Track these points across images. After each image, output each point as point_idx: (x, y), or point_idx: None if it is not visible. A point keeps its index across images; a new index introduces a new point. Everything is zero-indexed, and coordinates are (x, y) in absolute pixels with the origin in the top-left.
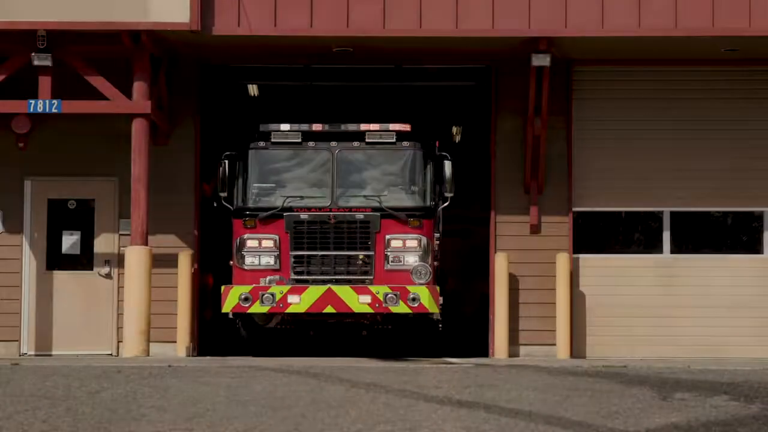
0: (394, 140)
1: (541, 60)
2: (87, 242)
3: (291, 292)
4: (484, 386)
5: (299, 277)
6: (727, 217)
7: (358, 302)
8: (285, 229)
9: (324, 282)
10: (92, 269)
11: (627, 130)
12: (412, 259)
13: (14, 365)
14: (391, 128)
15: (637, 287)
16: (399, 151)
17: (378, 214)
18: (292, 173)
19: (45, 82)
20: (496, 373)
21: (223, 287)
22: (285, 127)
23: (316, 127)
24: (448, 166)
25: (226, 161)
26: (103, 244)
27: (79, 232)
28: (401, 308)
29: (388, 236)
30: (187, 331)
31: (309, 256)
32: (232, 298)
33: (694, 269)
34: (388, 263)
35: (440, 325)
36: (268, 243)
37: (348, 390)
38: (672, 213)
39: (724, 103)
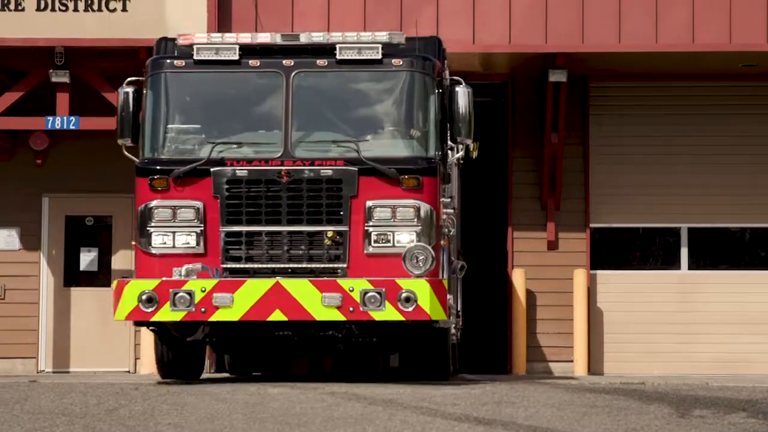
0: (380, 57)
1: (558, 76)
2: (105, 259)
3: (218, 289)
4: (501, 403)
5: (235, 266)
6: (745, 233)
7: (322, 305)
8: (213, 193)
9: (272, 273)
10: (110, 286)
11: (644, 145)
12: (405, 238)
13: (32, 382)
14: (377, 38)
15: (655, 303)
16: (387, 74)
17: (355, 169)
18: (224, 108)
19: (63, 99)
20: (514, 390)
21: (115, 282)
22: (215, 37)
23: (263, 38)
24: (462, 95)
25: (129, 91)
26: (121, 260)
27: (96, 249)
28: (388, 314)
29: (369, 203)
30: None
31: (249, 234)
32: (127, 299)
33: (712, 285)
34: (369, 244)
35: (455, 338)
36: (186, 214)
37: (365, 407)
38: (690, 229)
39: (742, 119)
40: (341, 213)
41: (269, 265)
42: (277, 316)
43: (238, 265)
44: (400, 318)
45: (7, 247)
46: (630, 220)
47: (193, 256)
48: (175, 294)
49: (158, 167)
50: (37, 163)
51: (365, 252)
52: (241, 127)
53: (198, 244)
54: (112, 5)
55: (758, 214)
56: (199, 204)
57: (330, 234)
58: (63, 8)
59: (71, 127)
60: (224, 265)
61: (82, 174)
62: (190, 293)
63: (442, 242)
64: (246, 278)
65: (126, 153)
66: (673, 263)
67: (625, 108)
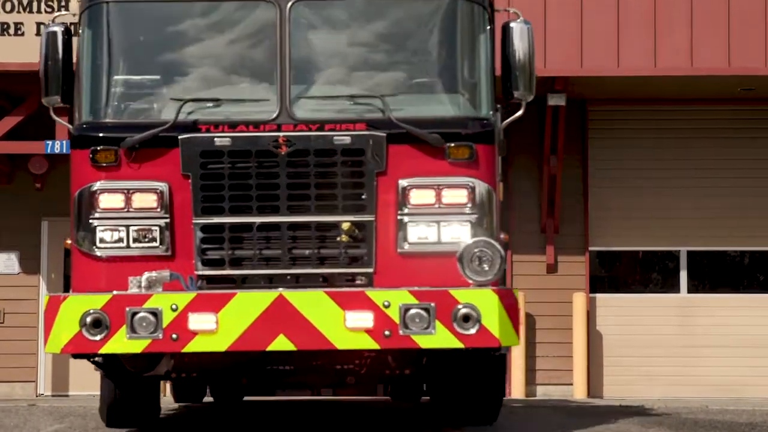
0: None
1: (557, 100)
2: None
3: (196, 306)
4: (499, 428)
5: (215, 273)
6: (744, 257)
7: (346, 327)
8: (182, 170)
9: (268, 282)
10: None
11: (643, 169)
12: (455, 231)
13: (31, 406)
14: None
15: (654, 327)
16: (422, 1)
17: (382, 134)
18: (193, 52)
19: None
20: (513, 413)
21: (47, 297)
22: None
23: None
24: (520, 33)
25: (57, 32)
26: None
27: None
28: (440, 339)
29: (403, 182)
30: None
31: (235, 228)
32: (64, 323)
33: (712, 309)
34: (404, 240)
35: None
36: (144, 200)
37: None
38: (689, 252)
39: (741, 142)
40: (364, 196)
41: (263, 272)
42: (280, 344)
43: (219, 272)
44: (458, 345)
45: (7, 271)
46: (629, 243)
47: (156, 259)
48: (134, 315)
49: (102, 134)
50: (37, 187)
51: (398, 250)
52: (219, 79)
53: (162, 242)
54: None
55: (757, 237)
56: (162, 186)
57: (347, 226)
58: None
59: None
60: (200, 272)
61: None
62: (155, 313)
63: (502, 236)
64: (235, 290)
65: (54, 117)
66: (672, 286)
67: (624, 131)
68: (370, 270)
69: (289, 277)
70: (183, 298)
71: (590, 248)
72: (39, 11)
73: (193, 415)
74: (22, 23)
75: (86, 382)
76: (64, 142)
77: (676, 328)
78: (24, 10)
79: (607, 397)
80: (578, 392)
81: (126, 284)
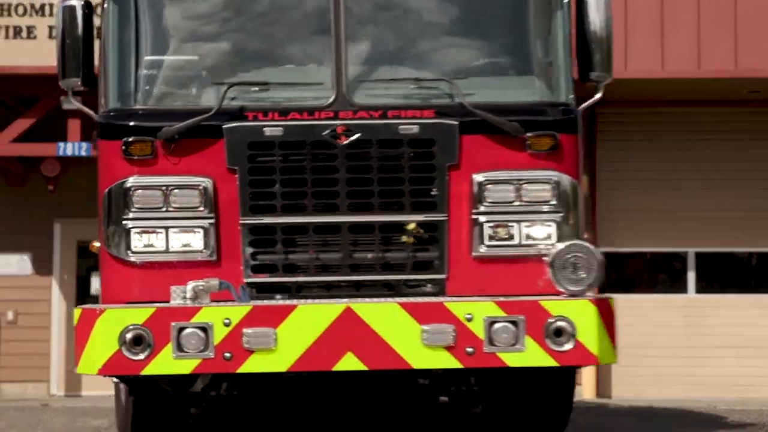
0: None
1: None
2: None
3: (252, 320)
4: None
5: (266, 281)
6: (752, 258)
7: (422, 343)
8: (228, 164)
9: (325, 290)
10: None
11: (650, 170)
12: (541, 232)
13: (44, 406)
14: None
15: (662, 327)
16: None
17: (454, 122)
18: (237, 29)
19: (74, 126)
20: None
21: (78, 310)
22: None
23: None
24: (596, 7)
25: (75, 6)
26: None
27: None
28: (530, 356)
29: (478, 176)
30: None
31: (288, 229)
32: (101, 340)
33: (720, 309)
34: (480, 242)
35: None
36: (186, 197)
37: None
38: (697, 253)
39: (749, 144)
40: (434, 193)
41: (321, 278)
42: (349, 364)
43: (270, 279)
44: (551, 363)
45: (20, 272)
46: (637, 244)
47: (199, 265)
48: (181, 330)
49: (136, 123)
50: (49, 189)
51: (473, 254)
52: (266, 59)
53: (206, 245)
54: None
55: (765, 238)
56: (205, 181)
57: (412, 226)
58: None
59: (82, 153)
60: (248, 279)
61: (94, 200)
62: (204, 328)
63: (585, 236)
64: (295, 302)
65: (74, 103)
66: (680, 287)
67: (632, 133)
68: (442, 276)
69: (347, 285)
70: (237, 312)
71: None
72: (51, 15)
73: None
74: (34, 26)
75: (99, 383)
76: (77, 144)
77: (683, 329)
78: (36, 13)
79: (615, 396)
80: (587, 392)
81: (164, 294)
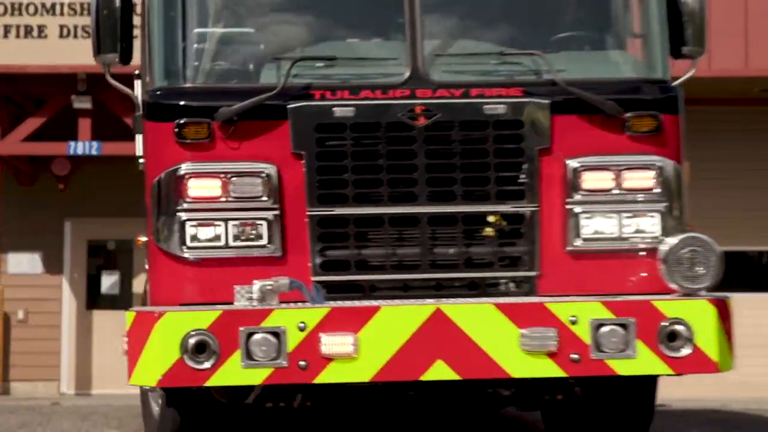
0: None
1: None
2: (126, 282)
3: (330, 323)
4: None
5: (337, 279)
6: (762, 257)
7: (521, 349)
8: (293, 148)
9: (401, 290)
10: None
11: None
12: (644, 224)
13: (54, 405)
14: None
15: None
16: None
17: (545, 101)
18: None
19: (85, 125)
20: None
21: (132, 314)
22: None
23: None
24: None
25: None
26: (143, 283)
27: (118, 272)
28: (643, 363)
29: (573, 162)
30: None
31: (362, 220)
32: (160, 347)
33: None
34: (576, 235)
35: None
36: (247, 186)
37: None
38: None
39: (761, 143)
40: (524, 180)
41: (397, 276)
42: (439, 372)
43: (342, 277)
44: (666, 371)
45: (30, 271)
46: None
47: (262, 261)
48: (250, 336)
49: (190, 103)
50: (60, 188)
51: (567, 248)
52: (330, 32)
53: (270, 240)
54: (134, 32)
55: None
56: (268, 168)
57: (494, 219)
58: (85, 35)
59: (93, 152)
60: (317, 278)
61: (104, 198)
62: (276, 333)
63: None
64: (379, 303)
65: (111, 81)
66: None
67: None
68: (533, 273)
69: (425, 286)
70: (313, 315)
71: None
72: (62, 14)
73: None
74: (45, 26)
75: (109, 381)
76: (87, 143)
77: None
78: (47, 12)
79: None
80: None
81: (223, 295)
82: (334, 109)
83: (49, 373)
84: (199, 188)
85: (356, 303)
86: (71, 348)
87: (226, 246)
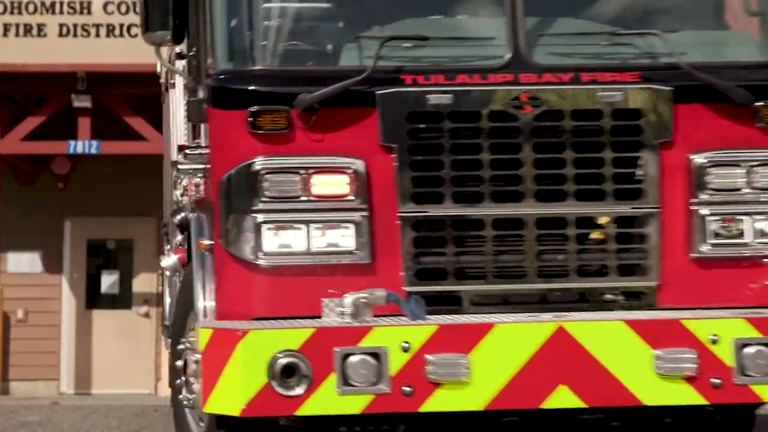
0: None
1: None
2: (126, 282)
3: (438, 343)
4: None
5: (431, 290)
6: None
7: (656, 373)
8: (383, 139)
9: (503, 305)
10: (131, 308)
11: None
12: None
13: (54, 404)
14: None
15: None
16: None
17: (665, 89)
18: None
19: (84, 124)
20: None
21: (208, 331)
22: None
23: None
24: None
25: None
26: (143, 283)
27: (117, 272)
28: None
29: (697, 157)
30: None
31: (461, 223)
32: (245, 369)
33: None
34: (703, 241)
35: None
36: (334, 183)
37: None
38: None
39: None
40: (643, 178)
41: (502, 287)
42: (561, 399)
43: (439, 288)
44: None
45: (30, 270)
46: None
47: (349, 270)
48: (346, 357)
49: (264, 88)
50: (59, 187)
51: (691, 255)
52: (419, 7)
53: (359, 245)
54: (133, 31)
55: None
56: (356, 163)
57: (605, 220)
58: (85, 34)
59: (93, 151)
60: (410, 288)
61: (104, 198)
62: (377, 355)
63: None
64: (493, 319)
65: (163, 62)
66: None
67: None
68: (653, 283)
69: (526, 298)
70: (418, 333)
71: None
72: (62, 13)
73: None
74: (44, 24)
75: (108, 381)
76: (87, 142)
77: None
78: (47, 11)
79: None
80: None
81: (304, 308)
82: (428, 96)
83: (48, 373)
84: (278, 186)
85: (466, 319)
86: (71, 347)
87: (308, 252)
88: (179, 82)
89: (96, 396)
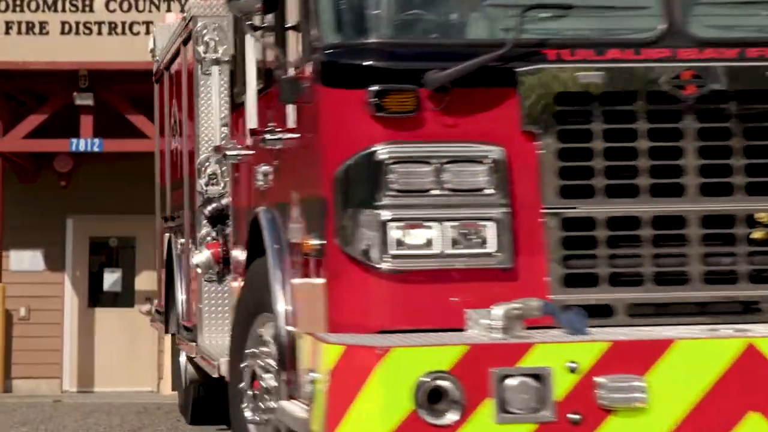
0: None
1: None
2: (128, 280)
3: (609, 362)
4: None
5: (582, 298)
6: None
7: None
8: (524, 124)
9: (657, 316)
10: (133, 306)
11: None
12: None
13: (56, 402)
14: None
15: None
16: None
17: None
18: None
19: (87, 121)
20: None
21: (336, 349)
22: None
23: None
24: None
25: None
26: (145, 281)
27: (120, 270)
28: None
29: None
30: None
31: (617, 222)
32: (386, 394)
33: None
34: None
35: None
36: (470, 175)
37: None
38: None
39: None
40: None
41: (661, 295)
42: (753, 428)
43: (591, 296)
44: None
45: (32, 268)
46: None
47: (488, 275)
48: (504, 379)
49: (388, 64)
50: (62, 185)
51: None
52: None
53: (500, 246)
54: (135, 28)
55: None
56: (494, 151)
57: (765, 217)
58: (87, 32)
59: (95, 149)
60: (557, 296)
61: (106, 196)
62: (540, 377)
63: None
64: (672, 335)
65: (255, 37)
66: None
67: None
68: None
69: (683, 308)
70: (586, 351)
71: None
72: (64, 10)
73: None
74: (47, 22)
75: (111, 379)
76: (89, 140)
77: None
78: (49, 9)
79: None
80: None
81: (439, 320)
82: (577, 74)
83: (50, 371)
84: (406, 177)
85: (640, 334)
86: (73, 345)
87: (441, 254)
88: (215, 70)
89: (98, 394)
